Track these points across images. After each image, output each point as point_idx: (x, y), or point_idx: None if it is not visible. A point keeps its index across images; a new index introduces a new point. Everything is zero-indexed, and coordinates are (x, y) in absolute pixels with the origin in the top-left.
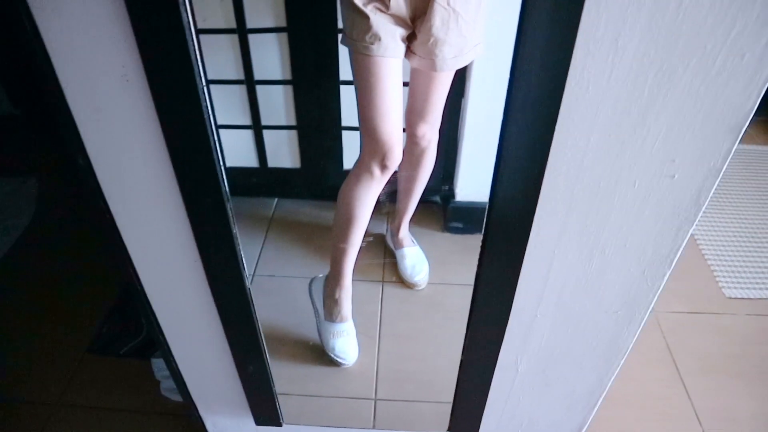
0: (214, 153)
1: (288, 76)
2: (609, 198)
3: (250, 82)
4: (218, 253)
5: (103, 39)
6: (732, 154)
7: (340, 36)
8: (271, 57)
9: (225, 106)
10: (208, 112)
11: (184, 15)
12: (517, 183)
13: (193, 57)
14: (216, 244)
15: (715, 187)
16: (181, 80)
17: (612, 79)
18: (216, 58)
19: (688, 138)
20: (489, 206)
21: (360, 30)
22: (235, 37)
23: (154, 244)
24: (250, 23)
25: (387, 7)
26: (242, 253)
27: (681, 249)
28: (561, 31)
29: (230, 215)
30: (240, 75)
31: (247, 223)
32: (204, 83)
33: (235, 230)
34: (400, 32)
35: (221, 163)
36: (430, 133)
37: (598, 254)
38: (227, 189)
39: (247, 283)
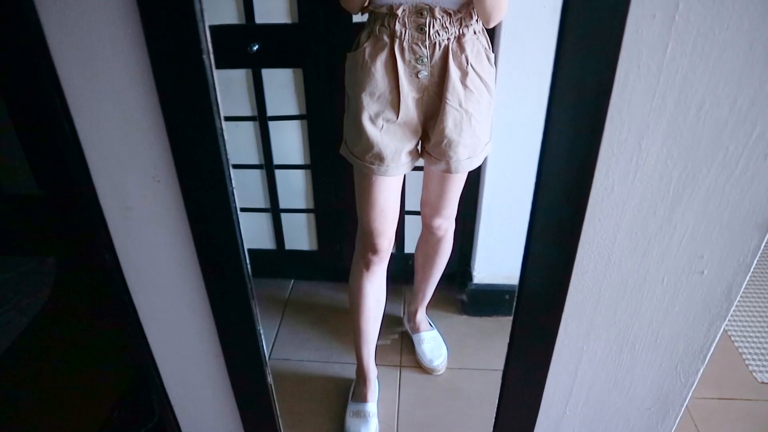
0: (241, 252)
1: (306, 161)
2: (637, 294)
3: (269, 166)
4: (240, 347)
5: (137, 145)
6: (762, 249)
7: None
8: (290, 142)
9: (244, 189)
10: (236, 213)
11: (217, 121)
12: (544, 280)
13: (224, 159)
14: (238, 340)
15: (746, 282)
16: (213, 182)
17: (637, 180)
18: (237, 143)
19: (715, 235)
20: (516, 302)
21: (362, 149)
22: (256, 124)
23: (175, 337)
24: (271, 111)
25: (397, 116)
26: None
27: (714, 344)
28: (585, 135)
29: (255, 313)
30: (260, 160)
31: (263, 305)
32: (233, 185)
33: (259, 327)
34: (409, 147)
35: (247, 261)
36: (446, 224)
37: (627, 350)
38: (253, 286)
39: (269, 378)
